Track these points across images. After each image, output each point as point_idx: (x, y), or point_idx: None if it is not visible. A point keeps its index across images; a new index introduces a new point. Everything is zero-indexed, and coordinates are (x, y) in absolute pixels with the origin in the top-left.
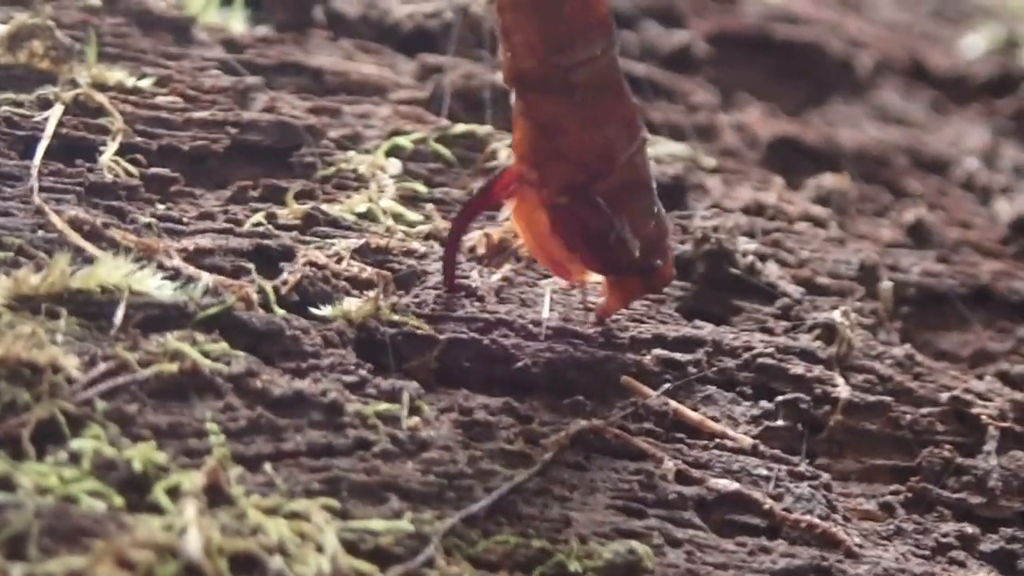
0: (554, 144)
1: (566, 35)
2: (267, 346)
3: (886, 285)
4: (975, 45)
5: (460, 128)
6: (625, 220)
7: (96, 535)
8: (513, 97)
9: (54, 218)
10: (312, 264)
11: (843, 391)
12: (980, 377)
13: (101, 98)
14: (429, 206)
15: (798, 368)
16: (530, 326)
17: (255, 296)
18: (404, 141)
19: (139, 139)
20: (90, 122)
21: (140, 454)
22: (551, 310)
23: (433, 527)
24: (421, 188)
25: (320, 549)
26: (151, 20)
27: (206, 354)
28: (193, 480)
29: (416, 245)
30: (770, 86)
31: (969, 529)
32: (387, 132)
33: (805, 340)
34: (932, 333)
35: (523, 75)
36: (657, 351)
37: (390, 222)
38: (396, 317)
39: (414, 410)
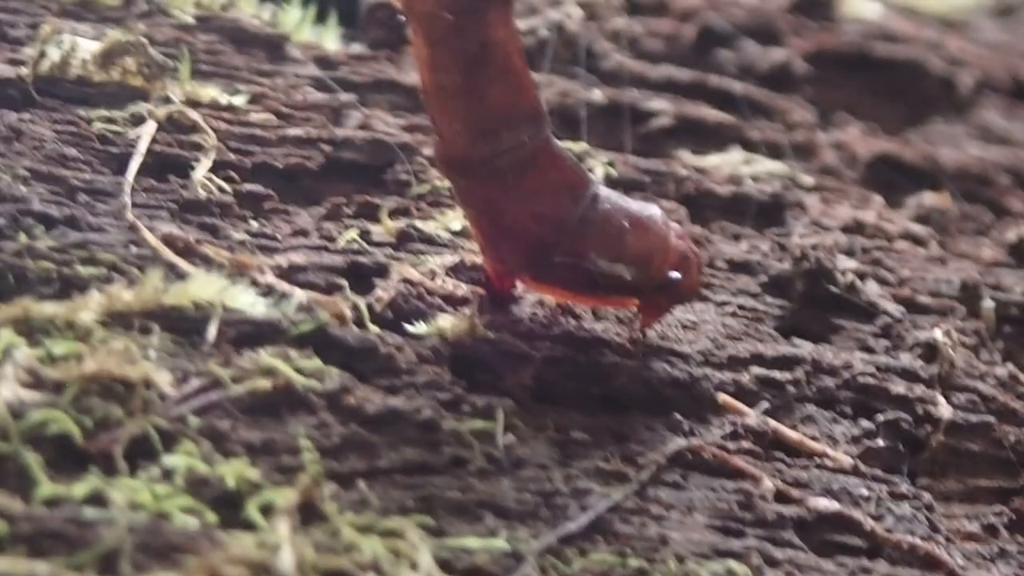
0: (498, 227)
1: (491, 123)
2: (361, 363)
3: (988, 304)
4: None
5: None
6: (594, 257)
7: (189, 551)
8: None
9: (147, 234)
10: (406, 281)
11: (945, 411)
12: None
13: (194, 115)
14: None
15: (899, 387)
16: (627, 344)
17: (349, 313)
18: None
19: (233, 156)
20: (183, 139)
21: (233, 470)
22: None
23: (529, 545)
24: None
25: (415, 567)
26: (245, 38)
27: (300, 371)
28: (287, 497)
29: None
30: (869, 105)
31: None
32: None
33: (906, 359)
34: None
35: (450, 161)
36: (755, 369)
37: None
38: (491, 335)
39: (509, 427)
